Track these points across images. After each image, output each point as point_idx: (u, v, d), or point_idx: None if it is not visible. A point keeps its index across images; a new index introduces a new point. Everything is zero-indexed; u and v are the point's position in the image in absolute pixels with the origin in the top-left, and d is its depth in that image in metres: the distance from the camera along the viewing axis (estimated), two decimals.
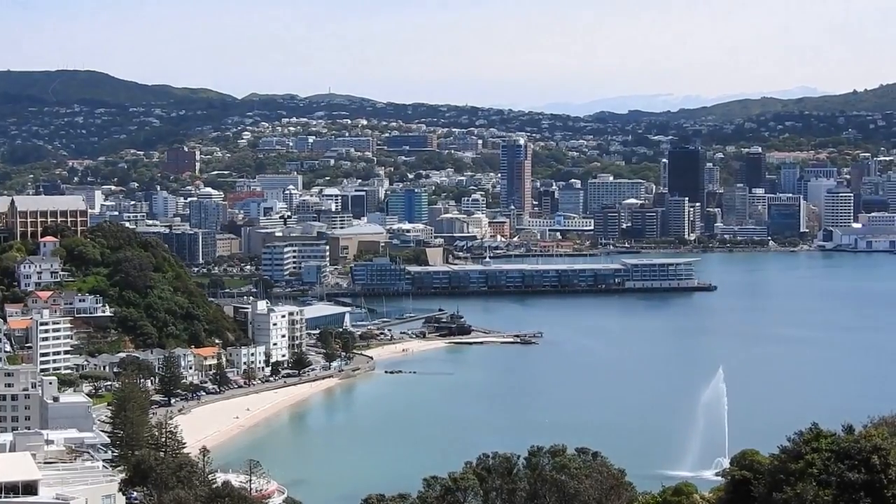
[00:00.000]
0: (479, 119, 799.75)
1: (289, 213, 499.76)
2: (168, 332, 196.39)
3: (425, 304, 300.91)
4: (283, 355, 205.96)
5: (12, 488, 71.98)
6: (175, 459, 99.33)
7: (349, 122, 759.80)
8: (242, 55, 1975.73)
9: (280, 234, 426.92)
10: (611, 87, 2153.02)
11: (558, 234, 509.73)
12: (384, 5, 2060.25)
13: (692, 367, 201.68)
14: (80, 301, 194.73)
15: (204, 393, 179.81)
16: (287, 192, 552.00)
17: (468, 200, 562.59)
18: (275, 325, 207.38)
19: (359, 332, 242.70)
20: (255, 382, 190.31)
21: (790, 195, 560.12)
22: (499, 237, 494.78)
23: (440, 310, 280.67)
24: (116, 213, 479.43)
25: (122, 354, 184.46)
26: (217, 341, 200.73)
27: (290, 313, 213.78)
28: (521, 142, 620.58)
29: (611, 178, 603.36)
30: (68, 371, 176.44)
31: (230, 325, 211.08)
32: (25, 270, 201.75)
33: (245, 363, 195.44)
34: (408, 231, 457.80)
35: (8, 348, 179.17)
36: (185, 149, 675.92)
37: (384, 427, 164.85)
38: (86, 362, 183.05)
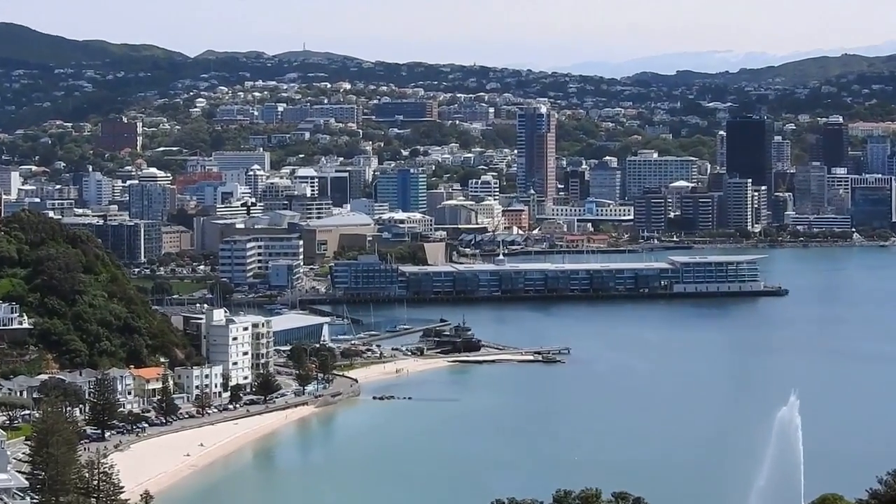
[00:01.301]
0: (491, 82, 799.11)
1: (253, 200, 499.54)
2: (101, 349, 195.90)
3: (423, 313, 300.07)
4: (246, 377, 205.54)
5: None
6: None
7: (328, 85, 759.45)
8: (195, 4, 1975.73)
9: (242, 225, 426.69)
10: (655, 42, 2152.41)
11: (589, 225, 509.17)
12: None
13: (757, 392, 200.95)
14: None
15: (146, 424, 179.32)
16: (251, 173, 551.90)
17: (476, 183, 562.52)
18: (235, 339, 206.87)
19: (340, 349, 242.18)
20: (210, 411, 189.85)
21: (879, 176, 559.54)
22: (515, 229, 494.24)
23: (442, 320, 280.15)
24: (38, 199, 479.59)
25: (44, 377, 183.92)
26: (163, 360, 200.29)
27: (255, 325, 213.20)
28: (543, 110, 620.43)
29: (655, 156, 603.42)
30: None
31: (179, 340, 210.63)
32: None
33: (198, 387, 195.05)
34: (401, 222, 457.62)
35: None
36: (124, 120, 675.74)
37: (372, 467, 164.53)
38: None
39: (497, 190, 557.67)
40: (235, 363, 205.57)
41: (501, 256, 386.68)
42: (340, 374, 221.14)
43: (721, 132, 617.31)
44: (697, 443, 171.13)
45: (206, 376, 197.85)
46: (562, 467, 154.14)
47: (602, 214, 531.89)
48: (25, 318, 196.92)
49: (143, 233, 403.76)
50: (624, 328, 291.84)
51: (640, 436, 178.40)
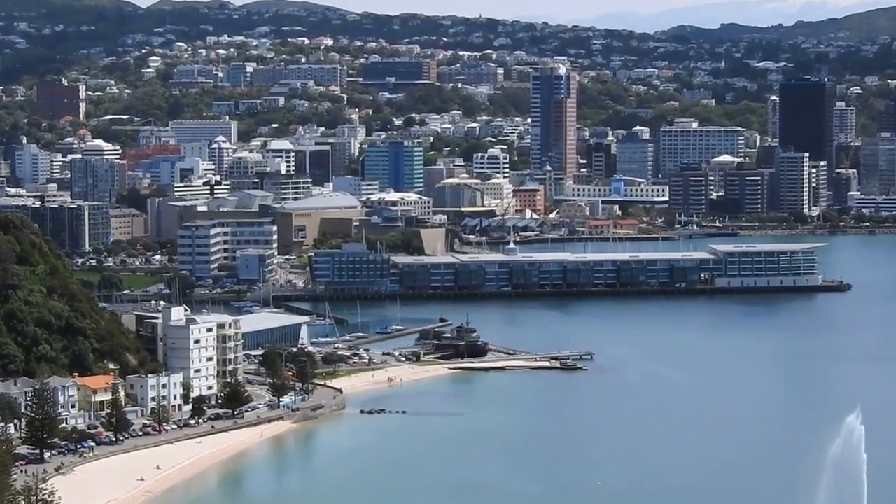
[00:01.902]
0: (500, 37, 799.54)
1: (217, 178, 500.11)
2: (39, 354, 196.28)
3: (419, 311, 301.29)
4: (210, 387, 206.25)
5: None
6: None
7: (306, 41, 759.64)
8: None
9: (205, 208, 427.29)
10: None
11: (617, 208, 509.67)
12: None
13: (814, 406, 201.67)
14: None
15: (93, 443, 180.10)
16: (215, 145, 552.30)
17: (483, 158, 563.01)
18: (197, 342, 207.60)
19: (321, 354, 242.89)
20: (168, 427, 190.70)
21: None
22: (528, 213, 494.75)
23: (442, 320, 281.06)
24: None
25: None
26: (112, 367, 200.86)
27: (220, 326, 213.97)
28: (562, 71, 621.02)
29: (695, 125, 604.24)
30: None
31: (131, 344, 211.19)
32: None
33: (153, 399, 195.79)
34: (394, 204, 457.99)
35: None
36: (65, 82, 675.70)
37: (358, 495, 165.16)
38: None
39: (507, 166, 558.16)
40: (198, 371, 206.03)
41: (512, 245, 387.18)
42: (322, 383, 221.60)
43: (773, 97, 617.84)
44: (740, 470, 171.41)
45: (164, 386, 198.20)
46: (583, 495, 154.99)
47: (631, 195, 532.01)
48: None
49: (87, 216, 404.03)
50: (657, 330, 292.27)
51: (674, 459, 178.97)
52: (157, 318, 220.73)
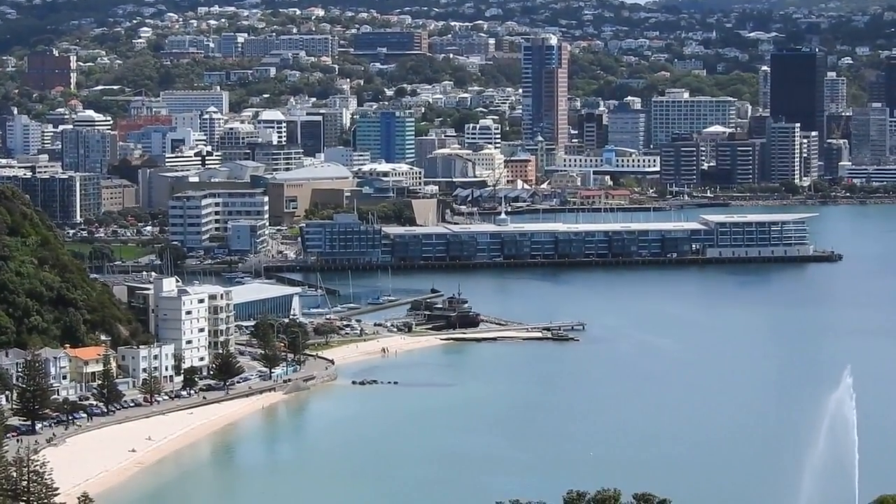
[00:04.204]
0: (491, 8, 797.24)
1: (209, 149, 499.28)
2: (31, 325, 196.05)
3: (411, 282, 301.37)
4: (202, 359, 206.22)
5: None
6: None
7: (297, 12, 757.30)
8: None
9: (196, 179, 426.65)
10: None
11: (608, 178, 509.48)
12: None
13: (805, 377, 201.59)
14: None
15: (85, 414, 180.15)
16: (206, 116, 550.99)
17: (474, 129, 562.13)
18: (189, 314, 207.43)
19: (313, 324, 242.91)
20: (159, 399, 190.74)
21: None
22: (520, 183, 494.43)
23: (433, 291, 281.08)
24: None
25: None
26: (104, 338, 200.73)
27: (212, 297, 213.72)
28: (553, 41, 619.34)
29: (686, 96, 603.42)
30: None
31: (122, 315, 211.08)
32: None
33: (145, 370, 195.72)
34: (385, 175, 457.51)
35: None
36: (55, 53, 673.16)
37: (350, 466, 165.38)
38: None
39: (498, 136, 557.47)
40: (189, 342, 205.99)
41: (503, 215, 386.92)
42: (314, 354, 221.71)
43: (764, 68, 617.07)
44: (733, 439, 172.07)
45: (155, 357, 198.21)
46: (574, 465, 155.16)
47: (623, 166, 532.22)
48: None
49: (78, 187, 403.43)
50: (648, 300, 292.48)
51: (666, 429, 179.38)
52: (148, 289, 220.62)
